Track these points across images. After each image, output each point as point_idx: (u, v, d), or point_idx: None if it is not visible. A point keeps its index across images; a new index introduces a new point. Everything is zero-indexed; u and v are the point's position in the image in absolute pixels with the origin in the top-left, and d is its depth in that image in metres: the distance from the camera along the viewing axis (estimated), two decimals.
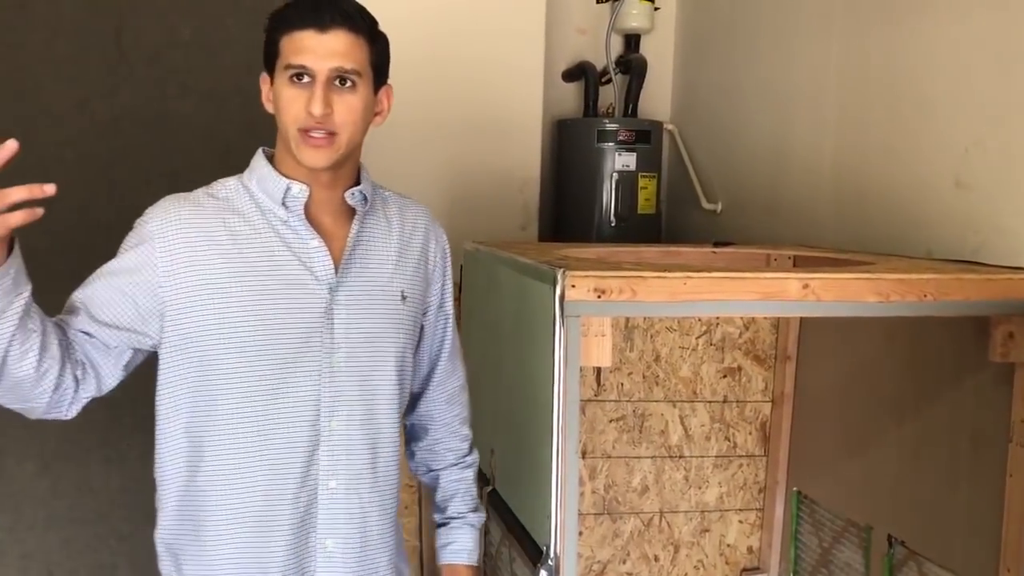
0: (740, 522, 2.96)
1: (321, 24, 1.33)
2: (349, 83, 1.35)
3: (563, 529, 1.76)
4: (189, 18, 2.83)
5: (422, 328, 1.58)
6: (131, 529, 2.81)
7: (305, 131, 1.34)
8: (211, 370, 1.37)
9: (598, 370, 2.78)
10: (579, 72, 3.80)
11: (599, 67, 3.79)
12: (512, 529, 2.10)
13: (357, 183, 1.46)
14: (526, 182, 3.41)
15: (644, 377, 2.83)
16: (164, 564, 1.46)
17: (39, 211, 1.18)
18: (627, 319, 2.76)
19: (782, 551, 2.89)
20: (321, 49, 1.32)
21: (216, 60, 2.86)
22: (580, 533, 2.83)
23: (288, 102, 1.34)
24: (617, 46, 3.88)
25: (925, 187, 2.42)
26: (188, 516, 1.42)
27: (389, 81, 1.46)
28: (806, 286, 1.80)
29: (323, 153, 1.35)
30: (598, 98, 3.77)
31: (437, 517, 1.68)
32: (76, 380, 1.33)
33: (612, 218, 3.59)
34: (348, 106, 1.35)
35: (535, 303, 1.85)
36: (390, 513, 1.50)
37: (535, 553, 1.88)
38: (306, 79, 1.33)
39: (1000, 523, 1.96)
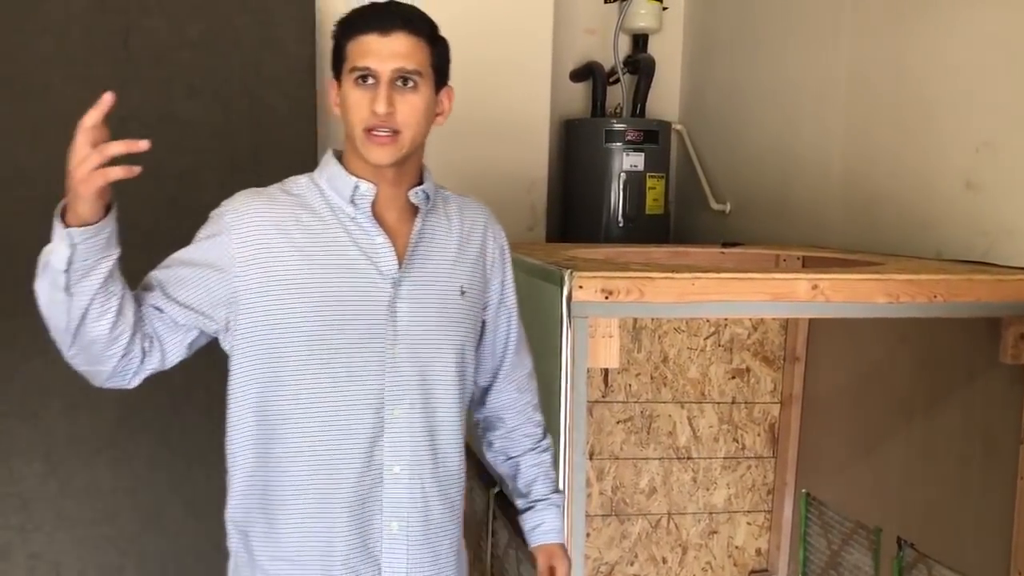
0: (748, 524, 2.95)
1: (383, 28, 1.40)
2: (411, 83, 1.41)
3: (570, 530, 1.76)
4: (197, 19, 2.83)
5: (484, 323, 1.63)
6: (139, 529, 2.81)
7: (370, 130, 1.40)
8: (280, 358, 1.43)
9: (606, 371, 2.77)
10: (587, 72, 3.80)
11: (607, 67, 3.78)
12: (519, 531, 2.09)
13: (420, 182, 1.53)
14: (534, 182, 3.41)
15: (652, 378, 2.82)
16: (233, 541, 1.53)
17: (137, 168, 1.25)
18: (635, 320, 2.76)
19: (791, 553, 2.88)
20: (384, 51, 1.40)
21: (224, 61, 2.86)
22: (588, 534, 2.82)
23: (354, 103, 1.41)
24: (625, 46, 3.88)
25: (934, 188, 2.40)
26: (256, 496, 1.49)
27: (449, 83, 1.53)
28: (815, 287, 1.79)
29: (387, 150, 1.41)
30: (606, 98, 3.77)
31: (521, 502, 1.72)
32: (143, 351, 1.39)
33: (620, 218, 3.58)
34: (410, 105, 1.41)
35: (542, 304, 1.85)
36: (452, 500, 1.55)
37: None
38: (370, 80, 1.40)
39: (1011, 525, 1.95)
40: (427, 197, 1.52)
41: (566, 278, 1.72)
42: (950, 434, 2.18)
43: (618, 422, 2.82)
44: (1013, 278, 1.88)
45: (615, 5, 3.83)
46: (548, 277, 1.82)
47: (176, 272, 1.44)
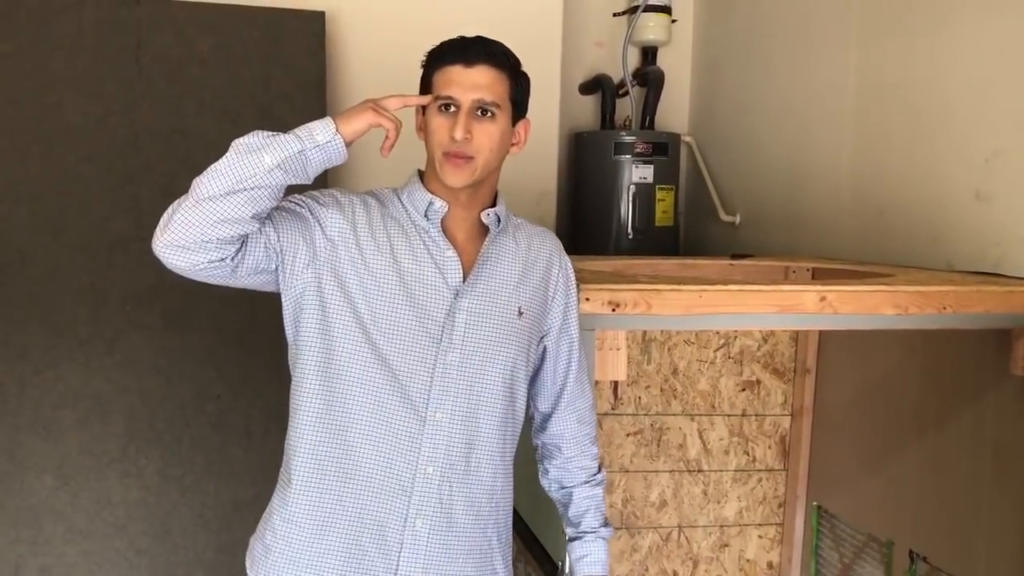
0: (760, 537, 2.93)
1: (468, 60, 1.52)
2: (489, 114, 1.53)
3: None
4: (207, 34, 2.85)
5: (545, 349, 1.70)
6: (149, 543, 2.81)
7: (449, 154, 1.52)
8: (344, 340, 1.51)
9: (615, 383, 2.77)
10: (596, 85, 3.81)
11: (616, 79, 3.79)
12: (528, 544, 2.09)
13: (494, 206, 1.63)
14: (543, 195, 3.41)
15: (662, 390, 2.82)
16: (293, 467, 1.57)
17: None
18: (644, 332, 2.75)
19: (802, 566, 2.86)
20: (466, 82, 1.51)
21: (234, 76, 2.88)
22: None
23: (436, 128, 1.53)
24: (634, 59, 3.88)
25: (945, 199, 2.39)
26: (321, 442, 1.54)
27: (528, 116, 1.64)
28: (823, 299, 1.78)
29: (461, 173, 1.52)
30: (615, 110, 3.78)
31: (570, 532, 1.77)
32: (242, 243, 1.45)
33: (630, 231, 3.58)
34: (486, 133, 1.52)
35: None
36: (479, 512, 1.59)
37: (551, 569, 1.87)
38: (452, 109, 1.52)
39: (1023, 537, 1.93)
40: (498, 220, 1.62)
41: None
42: (961, 446, 2.16)
43: (628, 435, 2.82)
44: (1023, 289, 1.87)
45: (624, 18, 3.84)
46: None
47: (284, 204, 1.52)
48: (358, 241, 1.53)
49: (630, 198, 3.57)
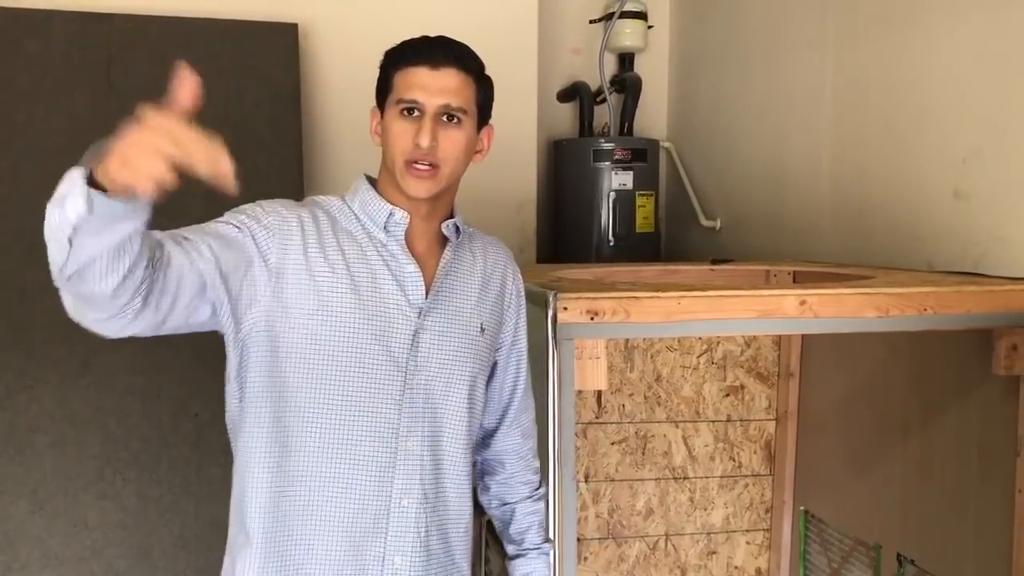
0: (747, 543, 2.91)
1: (434, 62, 1.42)
2: (456, 119, 1.43)
3: (562, 556, 1.73)
4: (179, 49, 2.82)
5: (495, 364, 1.63)
6: (127, 566, 2.76)
7: (411, 162, 1.41)
8: (301, 379, 1.39)
9: (599, 392, 2.74)
10: (573, 92, 3.80)
11: (593, 87, 3.78)
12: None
13: (451, 216, 1.54)
14: (523, 204, 3.39)
15: (645, 398, 2.80)
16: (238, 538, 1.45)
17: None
18: (627, 339, 2.73)
19: (791, 572, 2.84)
20: (433, 86, 1.41)
21: (207, 90, 2.84)
22: (585, 558, 2.78)
23: (397, 134, 1.42)
24: (611, 65, 3.88)
25: (924, 199, 2.39)
26: (268, 510, 1.42)
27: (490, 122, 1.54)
28: (803, 302, 1.77)
29: (426, 184, 1.42)
30: (593, 118, 3.77)
31: (511, 549, 1.71)
32: (145, 302, 1.17)
33: (611, 237, 3.57)
34: (453, 141, 1.43)
35: (529, 326, 1.82)
36: (449, 537, 1.53)
37: None
38: (416, 113, 1.41)
39: (1010, 538, 1.92)
40: (457, 231, 1.54)
41: (551, 300, 1.70)
42: (946, 447, 2.15)
43: (612, 443, 2.79)
44: (1003, 288, 1.86)
45: (600, 25, 3.83)
46: (533, 299, 1.79)
47: (217, 229, 1.33)
48: (309, 266, 1.39)
49: (610, 205, 3.56)
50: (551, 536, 1.73)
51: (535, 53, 3.35)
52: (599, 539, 2.81)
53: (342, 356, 1.40)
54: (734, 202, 3.47)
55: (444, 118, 1.42)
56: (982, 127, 2.19)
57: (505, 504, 1.72)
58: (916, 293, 1.81)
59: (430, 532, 1.48)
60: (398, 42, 1.48)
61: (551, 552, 1.71)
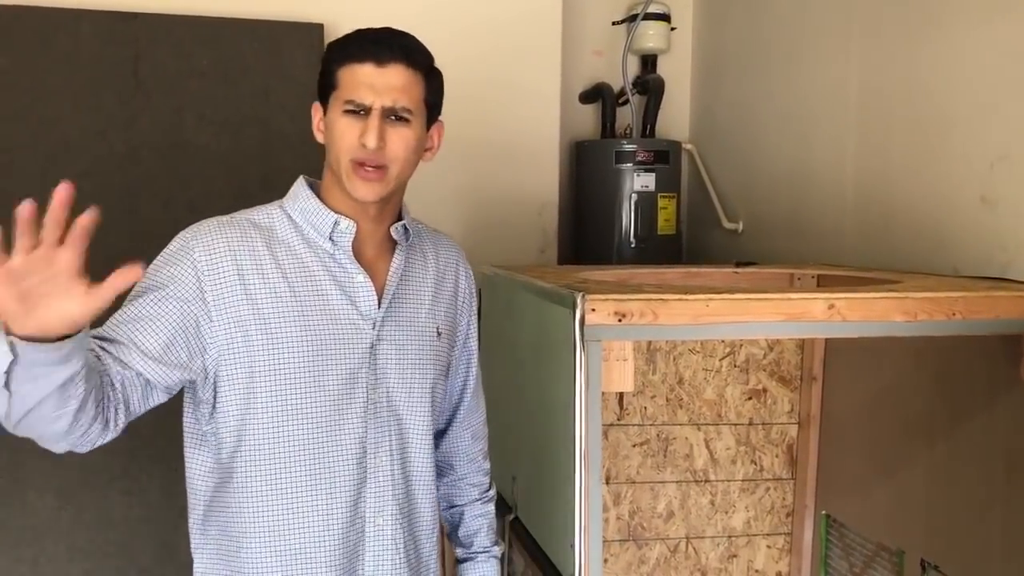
0: (768, 547, 2.90)
1: (380, 59, 1.34)
2: (404, 119, 1.35)
3: (587, 558, 1.73)
4: (206, 47, 2.84)
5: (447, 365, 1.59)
6: (151, 561, 2.79)
7: (358, 163, 1.34)
8: (260, 411, 1.34)
9: (621, 394, 2.74)
10: (596, 93, 3.79)
11: (616, 88, 3.78)
12: (535, 558, 2.06)
13: (399, 217, 1.47)
14: (544, 205, 3.39)
15: (668, 400, 2.79)
16: None
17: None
18: (649, 341, 2.73)
19: None
20: (379, 84, 1.33)
21: (233, 89, 2.87)
22: (605, 560, 2.78)
23: (342, 133, 1.34)
24: (634, 67, 3.87)
25: (950, 203, 2.37)
26: (224, 551, 1.42)
27: (440, 118, 1.47)
28: (831, 306, 1.76)
29: (374, 187, 1.35)
30: (615, 119, 3.76)
31: (460, 552, 1.68)
32: (105, 424, 1.24)
33: (632, 239, 3.56)
34: (401, 140, 1.35)
35: (555, 328, 1.83)
36: (422, 550, 1.51)
37: None
38: (361, 112, 1.34)
39: None
40: (407, 233, 1.47)
41: (578, 301, 1.70)
42: (971, 453, 2.14)
43: (634, 445, 2.79)
44: None
45: (623, 26, 3.83)
46: (560, 300, 1.79)
47: (144, 311, 1.29)
48: (249, 296, 1.32)
49: (632, 207, 3.55)
50: (498, 539, 1.71)
51: (558, 55, 3.35)
52: (619, 541, 2.81)
53: (301, 383, 1.34)
54: (756, 205, 3.46)
55: (391, 117, 1.34)
56: (1009, 133, 2.17)
57: (453, 506, 1.68)
58: (945, 298, 1.80)
59: (407, 547, 1.46)
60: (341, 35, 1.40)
61: (500, 554, 1.69)
